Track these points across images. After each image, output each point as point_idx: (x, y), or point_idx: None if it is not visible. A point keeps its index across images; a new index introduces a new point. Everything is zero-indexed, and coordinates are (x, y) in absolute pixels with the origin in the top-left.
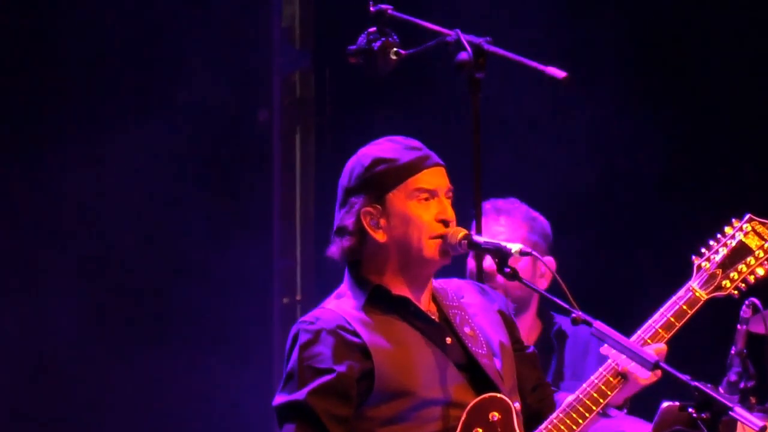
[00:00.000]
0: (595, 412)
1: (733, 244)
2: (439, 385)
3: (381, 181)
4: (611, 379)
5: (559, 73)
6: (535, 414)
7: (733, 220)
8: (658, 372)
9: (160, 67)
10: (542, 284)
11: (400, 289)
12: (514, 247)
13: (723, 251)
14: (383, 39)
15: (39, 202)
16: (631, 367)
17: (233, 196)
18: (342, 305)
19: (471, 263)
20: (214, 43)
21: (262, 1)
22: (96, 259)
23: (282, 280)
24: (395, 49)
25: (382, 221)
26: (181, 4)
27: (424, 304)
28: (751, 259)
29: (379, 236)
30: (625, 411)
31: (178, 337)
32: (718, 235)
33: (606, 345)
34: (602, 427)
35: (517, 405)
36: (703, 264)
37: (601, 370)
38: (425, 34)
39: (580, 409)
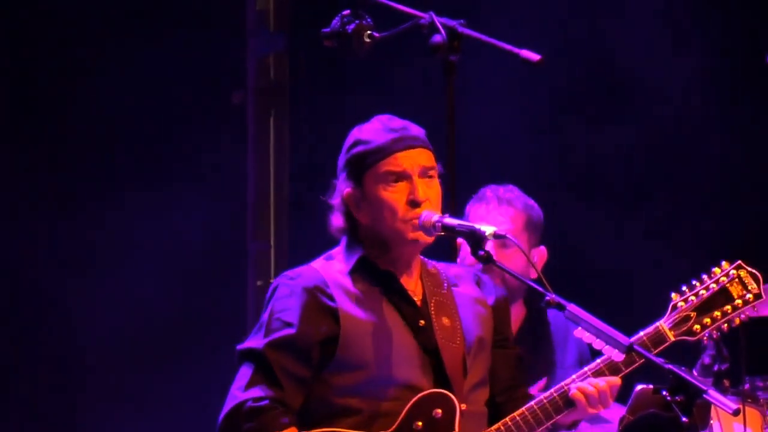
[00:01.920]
0: (539, 430)
1: (716, 288)
2: (401, 366)
3: (358, 164)
4: (559, 400)
5: (533, 56)
6: (500, 413)
7: (723, 262)
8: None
9: (134, 47)
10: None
11: (387, 264)
12: (488, 230)
13: (703, 293)
14: (357, 22)
15: None
16: (605, 349)
17: (207, 178)
18: (328, 267)
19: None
20: (188, 24)
21: None
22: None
23: (256, 263)
24: (369, 31)
25: (362, 203)
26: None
27: (410, 283)
28: (728, 307)
29: (362, 217)
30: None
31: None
32: (704, 276)
33: (580, 328)
34: None
35: (464, 406)
36: (679, 303)
37: (552, 390)
38: (399, 17)
39: (522, 425)
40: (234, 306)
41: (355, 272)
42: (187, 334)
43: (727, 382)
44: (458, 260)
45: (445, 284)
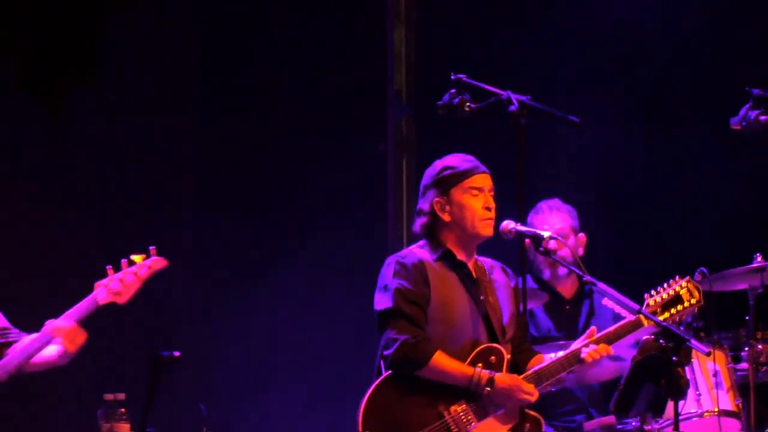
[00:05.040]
0: (557, 376)
1: (673, 293)
2: (468, 323)
3: (447, 181)
4: (572, 359)
5: (575, 119)
6: (517, 360)
7: (677, 276)
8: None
9: (317, 112)
10: (581, 253)
11: (460, 254)
12: (546, 234)
13: (665, 295)
14: (460, 97)
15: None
16: (623, 312)
17: (361, 206)
18: (421, 253)
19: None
20: (350, 100)
21: (380, 72)
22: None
23: None
24: (468, 103)
25: (447, 207)
26: (327, 80)
27: (471, 268)
28: (680, 306)
29: (445, 217)
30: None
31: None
32: (665, 284)
33: (606, 298)
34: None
35: (509, 356)
36: (650, 301)
37: (568, 351)
38: (487, 94)
39: (549, 372)
40: (370, 334)
41: (439, 260)
42: (332, 343)
43: (702, 335)
44: (530, 255)
45: (488, 273)
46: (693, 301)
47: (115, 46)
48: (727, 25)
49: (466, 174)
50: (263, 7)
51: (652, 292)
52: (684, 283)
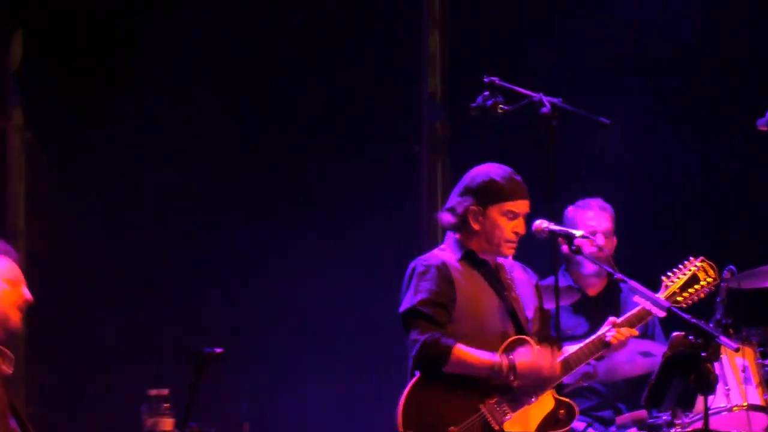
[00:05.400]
0: (586, 361)
1: (689, 274)
2: (496, 317)
3: (489, 195)
4: (599, 343)
5: (605, 120)
6: None
7: (691, 257)
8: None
9: (353, 113)
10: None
11: (483, 255)
12: (578, 233)
13: (682, 277)
14: (493, 99)
15: None
16: (653, 309)
17: (395, 207)
18: (443, 255)
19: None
20: (387, 102)
21: (416, 75)
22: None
23: None
24: (501, 105)
25: (480, 218)
26: (363, 82)
27: (492, 267)
28: (697, 286)
29: (476, 226)
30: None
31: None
32: (680, 265)
33: (637, 296)
34: (632, 347)
35: (537, 347)
36: (668, 283)
37: (594, 337)
38: (520, 96)
39: (578, 358)
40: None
41: (462, 259)
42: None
43: (731, 331)
44: (563, 249)
45: (508, 272)
46: (709, 279)
47: (149, 54)
48: (756, 25)
49: (510, 197)
50: (297, 10)
51: (669, 274)
52: (698, 263)
